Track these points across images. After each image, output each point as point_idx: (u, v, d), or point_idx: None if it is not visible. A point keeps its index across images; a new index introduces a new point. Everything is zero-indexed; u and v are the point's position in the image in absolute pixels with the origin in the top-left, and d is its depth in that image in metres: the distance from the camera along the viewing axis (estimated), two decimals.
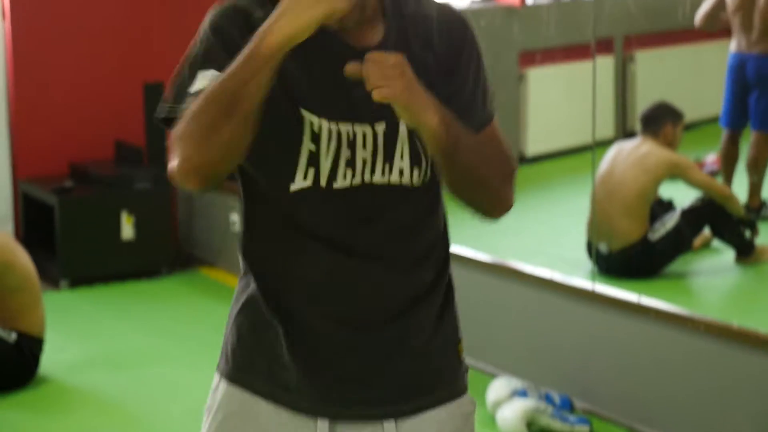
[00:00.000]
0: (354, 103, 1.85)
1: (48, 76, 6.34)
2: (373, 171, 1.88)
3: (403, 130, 1.88)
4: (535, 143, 8.11)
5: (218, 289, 5.97)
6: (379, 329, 1.92)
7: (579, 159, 7.37)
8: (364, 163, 1.87)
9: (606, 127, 7.68)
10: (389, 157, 1.88)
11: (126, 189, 6.03)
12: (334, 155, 1.85)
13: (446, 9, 1.99)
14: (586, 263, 5.50)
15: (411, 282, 1.94)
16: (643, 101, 5.97)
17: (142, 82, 6.30)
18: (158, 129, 6.60)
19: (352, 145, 1.87)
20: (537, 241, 6.10)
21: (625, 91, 8.24)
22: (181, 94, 1.83)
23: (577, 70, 8.10)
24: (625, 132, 7.81)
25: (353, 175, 1.87)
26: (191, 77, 1.83)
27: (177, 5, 6.49)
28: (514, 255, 5.13)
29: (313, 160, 1.85)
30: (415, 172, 1.90)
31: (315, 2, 1.70)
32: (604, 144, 5.89)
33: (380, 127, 1.88)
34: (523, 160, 8.07)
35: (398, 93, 1.76)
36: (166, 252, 6.17)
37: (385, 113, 1.83)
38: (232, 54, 1.77)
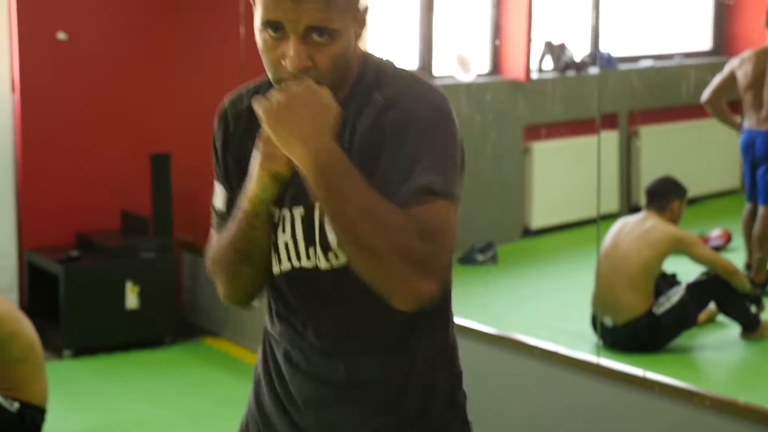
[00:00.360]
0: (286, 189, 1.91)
1: (55, 146, 6.38)
2: (298, 256, 1.93)
3: (317, 215, 1.89)
4: (539, 216, 8.12)
5: (222, 359, 5.95)
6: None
7: (583, 232, 7.37)
8: (287, 247, 1.93)
9: (610, 202, 7.70)
10: (311, 242, 1.91)
11: (131, 258, 6.04)
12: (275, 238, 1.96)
13: (403, 92, 1.90)
14: (591, 337, 5.48)
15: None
16: (647, 176, 5.99)
17: (148, 153, 6.34)
18: (164, 199, 6.59)
19: (277, 228, 1.94)
20: (541, 314, 6.09)
21: (630, 165, 8.27)
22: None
23: (582, 145, 8.14)
24: (629, 206, 7.83)
25: (279, 261, 1.95)
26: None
27: (183, 77, 6.55)
28: (519, 327, 5.11)
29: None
30: (331, 256, 1.91)
31: (261, 170, 1.82)
32: (608, 218, 5.91)
33: (297, 212, 1.92)
34: (528, 232, 8.09)
35: (272, 108, 1.78)
36: (171, 321, 6.16)
37: (302, 198, 1.88)
38: (224, 164, 2.00)
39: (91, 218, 6.43)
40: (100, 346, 6.00)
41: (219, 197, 2.02)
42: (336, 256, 1.89)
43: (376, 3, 7.59)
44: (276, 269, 1.95)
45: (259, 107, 1.80)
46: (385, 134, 1.85)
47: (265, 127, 1.79)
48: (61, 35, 6.33)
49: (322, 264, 1.90)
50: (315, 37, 1.80)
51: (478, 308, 5.88)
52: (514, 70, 8.31)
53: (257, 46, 1.88)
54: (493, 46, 8.38)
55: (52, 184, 6.39)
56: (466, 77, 7.90)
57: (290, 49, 1.80)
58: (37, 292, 6.26)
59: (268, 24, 1.82)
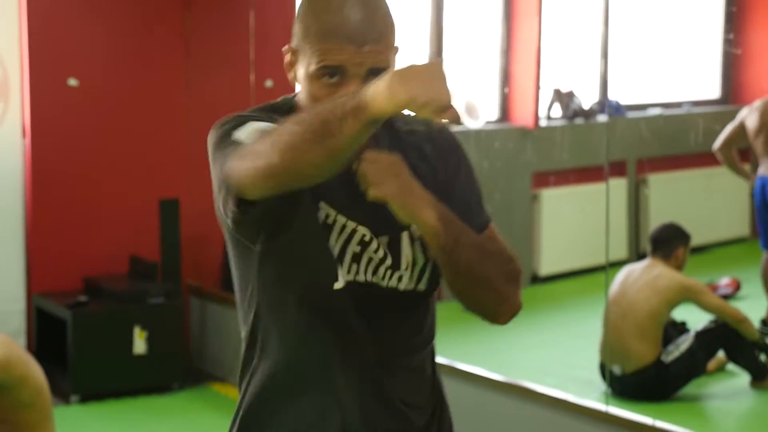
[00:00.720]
0: (368, 209, 1.91)
1: (65, 191, 6.41)
2: (375, 272, 1.93)
3: (405, 243, 1.93)
4: (548, 263, 8.12)
5: (229, 405, 5.92)
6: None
7: (592, 279, 7.37)
8: (369, 263, 1.93)
9: (619, 249, 7.69)
10: (396, 265, 1.93)
11: (139, 304, 6.04)
12: (341, 247, 1.92)
13: (433, 124, 1.97)
14: (600, 384, 5.46)
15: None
16: (656, 223, 5.99)
17: (157, 198, 6.36)
18: (173, 245, 6.59)
19: (365, 246, 1.93)
20: (549, 361, 6.07)
21: (638, 213, 8.28)
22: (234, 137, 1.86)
23: (591, 192, 8.15)
24: (638, 253, 7.83)
25: (357, 272, 1.92)
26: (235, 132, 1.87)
27: (193, 124, 6.58)
28: (526, 375, 5.10)
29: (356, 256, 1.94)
30: (414, 279, 1.95)
31: (433, 91, 1.75)
32: (617, 265, 5.91)
33: (384, 239, 1.94)
34: (536, 279, 8.08)
35: (393, 192, 1.80)
36: (178, 367, 6.15)
37: (388, 226, 1.90)
38: None
39: (99, 263, 6.44)
40: (108, 392, 5.98)
41: (252, 131, 1.85)
42: (420, 281, 1.96)
43: None
44: (346, 279, 1.92)
45: (377, 192, 1.81)
46: (439, 163, 1.97)
47: (396, 198, 1.80)
48: (72, 81, 6.38)
49: (402, 285, 1.94)
50: (371, 77, 1.79)
51: (486, 354, 5.87)
52: (522, 117, 8.34)
53: (307, 95, 1.86)
54: (502, 93, 8.42)
55: (61, 228, 6.41)
56: (475, 124, 7.90)
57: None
58: (45, 336, 6.26)
59: (326, 69, 1.81)
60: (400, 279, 1.94)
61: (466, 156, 2.04)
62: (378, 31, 1.82)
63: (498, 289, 1.93)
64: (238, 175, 1.79)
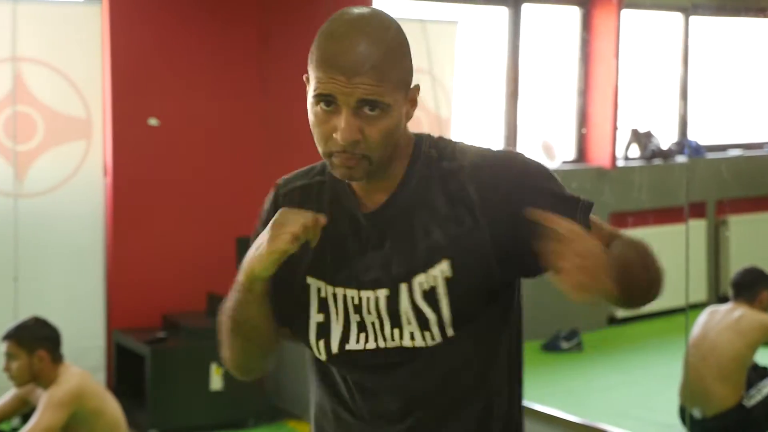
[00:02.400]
0: (356, 270, 1.93)
1: (144, 229, 6.50)
2: (383, 335, 1.92)
3: (404, 297, 1.90)
4: None
5: None
6: None
7: (670, 321, 7.27)
8: (374, 326, 1.92)
9: (698, 291, 7.59)
10: (396, 323, 1.91)
11: (216, 340, 6.06)
12: (344, 319, 1.95)
13: (483, 156, 1.94)
14: (679, 428, 5.37)
15: None
16: (736, 265, 5.89)
17: (234, 236, 6.41)
18: None
19: (358, 309, 1.93)
20: (628, 404, 6.00)
21: (718, 254, 8.16)
22: None
23: (669, 233, 8.05)
24: (718, 296, 7.71)
25: (366, 339, 1.93)
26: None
27: (270, 161, 6.64)
28: (605, 417, 5.04)
29: (324, 330, 1.97)
30: (426, 335, 1.90)
31: (268, 250, 1.87)
32: (696, 307, 5.82)
33: (382, 293, 1.92)
34: (614, 321, 8.00)
35: (586, 283, 1.72)
36: (254, 404, 6.18)
37: (385, 281, 1.90)
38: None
39: (177, 300, 6.51)
40: (185, 427, 6.02)
41: None
42: (432, 336, 1.89)
43: (462, 89, 7.66)
44: (355, 347, 1.94)
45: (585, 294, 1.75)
46: (479, 199, 1.88)
47: (595, 287, 1.74)
48: (153, 121, 6.48)
49: (418, 343, 1.90)
50: (366, 110, 1.83)
51: (563, 396, 5.81)
52: (600, 157, 8.29)
53: (309, 121, 1.91)
54: (579, 133, 8.38)
55: (141, 266, 6.50)
56: (551, 164, 7.89)
57: (342, 121, 1.83)
58: (124, 372, 6.33)
59: (320, 98, 1.85)
60: (412, 336, 1.90)
61: (524, 175, 1.93)
62: (372, 64, 1.81)
63: (656, 276, 1.98)
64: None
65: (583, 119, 8.37)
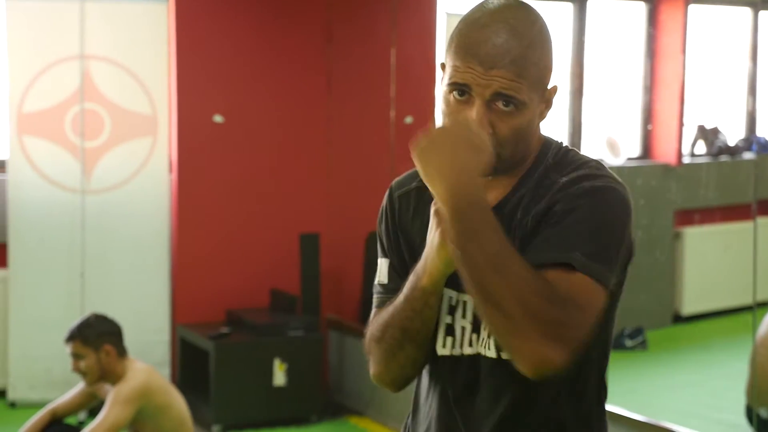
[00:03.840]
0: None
1: (209, 226, 6.55)
2: (470, 342, 1.87)
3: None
4: (690, 302, 7.96)
5: None
6: None
7: (737, 320, 7.20)
8: (463, 331, 1.88)
9: (766, 289, 7.49)
10: (477, 330, 1.87)
11: (280, 336, 6.11)
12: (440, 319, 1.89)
13: (580, 179, 1.82)
14: (746, 428, 5.31)
15: None
16: None
17: (298, 233, 6.44)
18: (313, 279, 6.64)
19: (452, 311, 1.89)
20: (693, 403, 5.93)
21: None
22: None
23: (736, 231, 7.97)
24: None
25: (452, 345, 1.89)
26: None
27: (334, 159, 6.66)
28: (669, 416, 4.99)
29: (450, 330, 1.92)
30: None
31: (441, 244, 1.76)
32: (764, 305, 5.75)
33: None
34: (678, 318, 7.92)
35: (422, 144, 1.74)
36: (317, 400, 6.20)
37: None
38: (394, 240, 1.98)
39: (241, 296, 6.55)
40: (248, 423, 6.06)
41: (383, 272, 1.97)
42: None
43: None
44: (445, 352, 1.90)
45: (414, 145, 1.76)
46: (543, 206, 1.81)
47: (415, 162, 1.75)
48: (218, 118, 6.53)
49: (489, 353, 1.85)
50: (500, 105, 1.77)
51: (627, 394, 5.77)
52: (665, 154, 8.21)
53: (440, 110, 1.86)
54: (645, 130, 8.31)
55: (205, 262, 6.55)
56: (616, 161, 7.84)
57: (473, 112, 1.77)
58: (189, 367, 6.39)
59: (455, 86, 1.79)
60: (489, 346, 1.86)
61: (585, 205, 1.79)
62: (512, 58, 1.75)
63: (512, 320, 1.65)
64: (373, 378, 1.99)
65: (648, 115, 8.30)
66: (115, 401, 4.42)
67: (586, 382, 1.91)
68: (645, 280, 7.79)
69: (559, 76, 7.91)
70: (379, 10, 6.75)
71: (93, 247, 6.35)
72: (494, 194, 1.85)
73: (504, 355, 1.81)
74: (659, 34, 8.21)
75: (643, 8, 8.21)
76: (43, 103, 6.30)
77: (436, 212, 1.78)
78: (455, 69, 1.78)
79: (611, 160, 7.82)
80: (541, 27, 1.81)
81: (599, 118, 8.11)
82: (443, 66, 1.85)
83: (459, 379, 1.89)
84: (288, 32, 6.66)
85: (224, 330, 6.13)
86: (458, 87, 1.79)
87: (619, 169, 7.86)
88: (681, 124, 8.17)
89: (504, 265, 1.66)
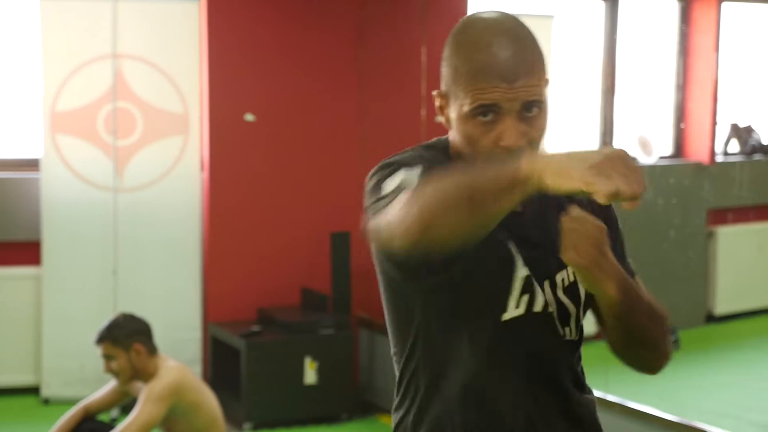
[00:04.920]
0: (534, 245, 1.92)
1: (240, 224, 6.57)
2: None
3: (548, 289, 1.91)
4: (724, 302, 7.91)
5: None
6: None
7: None
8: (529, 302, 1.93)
9: None
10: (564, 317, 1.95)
11: (310, 335, 6.12)
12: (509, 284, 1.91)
13: None
14: None
15: None
16: None
17: (329, 231, 6.45)
18: (343, 277, 6.66)
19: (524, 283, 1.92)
20: (726, 403, 5.89)
21: None
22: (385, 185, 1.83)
23: None
24: None
25: (517, 308, 1.90)
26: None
27: (365, 157, 6.66)
28: (702, 416, 4.96)
29: (528, 287, 1.90)
30: (567, 330, 1.94)
31: (613, 179, 1.60)
32: None
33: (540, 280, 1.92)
34: (711, 318, 7.86)
35: (586, 264, 1.79)
36: (347, 398, 6.21)
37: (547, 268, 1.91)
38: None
39: (272, 294, 6.57)
40: (279, 421, 6.07)
41: (409, 176, 1.80)
42: (570, 333, 1.95)
43: (557, 84, 7.60)
44: (518, 312, 1.91)
45: (571, 258, 1.79)
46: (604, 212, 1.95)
47: (588, 269, 1.79)
48: (249, 117, 6.54)
49: (570, 337, 1.97)
50: (525, 112, 1.82)
51: (659, 394, 5.73)
52: (698, 152, 8.16)
53: (461, 136, 1.84)
54: (677, 128, 8.27)
55: (236, 260, 6.57)
56: (648, 160, 7.79)
57: (509, 128, 1.80)
58: (220, 365, 6.41)
59: (479, 109, 1.80)
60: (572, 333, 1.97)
61: (613, 210, 2.02)
62: (528, 65, 1.80)
63: (662, 349, 1.97)
64: (384, 238, 1.79)
65: (681, 114, 8.25)
66: (147, 399, 4.44)
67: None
68: (678, 279, 7.75)
69: (591, 75, 7.88)
70: (410, 8, 6.74)
71: (125, 245, 6.38)
72: None
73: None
74: (692, 31, 8.16)
75: (675, 6, 8.16)
76: (76, 102, 6.34)
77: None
78: (476, 92, 1.79)
79: (643, 159, 7.77)
80: (528, 27, 1.89)
81: (631, 116, 8.07)
82: (441, 95, 1.88)
83: (523, 343, 1.91)
84: (319, 31, 6.67)
85: (255, 328, 6.15)
86: (484, 108, 1.80)
87: (652, 168, 7.82)
88: (714, 123, 8.11)
89: (652, 314, 1.95)
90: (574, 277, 1.91)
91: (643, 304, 1.90)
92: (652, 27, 8.23)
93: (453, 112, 1.86)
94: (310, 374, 6.07)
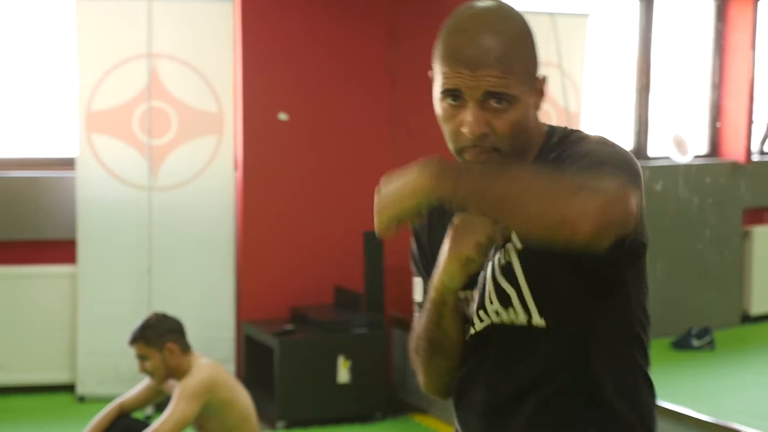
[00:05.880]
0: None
1: (273, 223, 6.58)
2: (486, 312, 1.93)
3: (486, 275, 1.91)
4: (760, 302, 7.86)
5: None
6: None
7: None
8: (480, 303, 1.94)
9: None
10: (482, 301, 1.93)
11: (344, 333, 6.13)
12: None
13: (579, 142, 1.89)
14: None
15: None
16: None
17: (361, 230, 6.45)
18: (376, 276, 6.64)
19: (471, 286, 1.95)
20: (760, 404, 5.85)
21: None
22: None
23: None
24: None
25: (480, 319, 1.93)
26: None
27: (397, 156, 6.66)
28: (737, 417, 4.93)
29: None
30: (511, 312, 1.89)
31: (449, 257, 1.83)
32: None
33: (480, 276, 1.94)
34: (747, 319, 7.81)
35: (471, 253, 1.82)
36: (381, 397, 6.21)
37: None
38: (426, 257, 2.02)
39: (305, 293, 6.58)
40: (312, 419, 6.08)
41: (418, 291, 2.06)
42: (517, 314, 1.89)
43: (592, 83, 7.57)
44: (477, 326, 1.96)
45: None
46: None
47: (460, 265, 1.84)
48: (283, 116, 6.56)
49: (498, 319, 1.92)
50: (493, 103, 1.82)
51: (694, 395, 5.71)
52: (734, 151, 8.12)
53: (437, 115, 1.91)
54: (713, 127, 8.22)
55: (270, 259, 6.58)
56: (683, 159, 7.75)
57: (468, 115, 1.82)
58: (253, 363, 6.43)
59: (446, 93, 1.85)
60: (497, 313, 1.92)
61: (579, 144, 1.86)
62: (495, 56, 1.80)
63: (563, 203, 1.66)
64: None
65: (717, 113, 8.21)
66: (181, 397, 4.46)
67: (627, 347, 1.92)
68: (713, 279, 7.70)
69: (626, 74, 7.85)
70: (443, 7, 6.72)
71: (160, 243, 6.42)
72: None
73: (516, 321, 1.89)
74: (728, 29, 8.11)
75: (711, 4, 8.12)
76: (112, 101, 6.38)
77: (452, 225, 1.85)
78: (444, 76, 1.85)
79: (678, 158, 7.73)
80: (520, 22, 1.87)
81: (666, 115, 8.03)
82: (432, 75, 1.92)
83: (491, 350, 1.95)
84: (352, 30, 6.68)
85: (289, 327, 6.16)
86: (450, 93, 1.84)
87: (687, 168, 7.78)
88: (750, 122, 8.06)
89: (511, 189, 1.71)
90: (509, 256, 1.88)
91: (487, 181, 1.72)
92: (687, 25, 8.19)
93: (434, 92, 1.92)
94: (344, 373, 6.07)
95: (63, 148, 6.66)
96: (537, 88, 1.89)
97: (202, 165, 6.50)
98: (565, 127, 1.97)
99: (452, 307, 1.91)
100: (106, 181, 6.37)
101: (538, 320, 1.87)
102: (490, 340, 1.93)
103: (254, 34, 6.48)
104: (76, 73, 6.35)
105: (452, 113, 1.85)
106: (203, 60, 6.47)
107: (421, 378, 2.03)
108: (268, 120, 6.52)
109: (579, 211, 1.64)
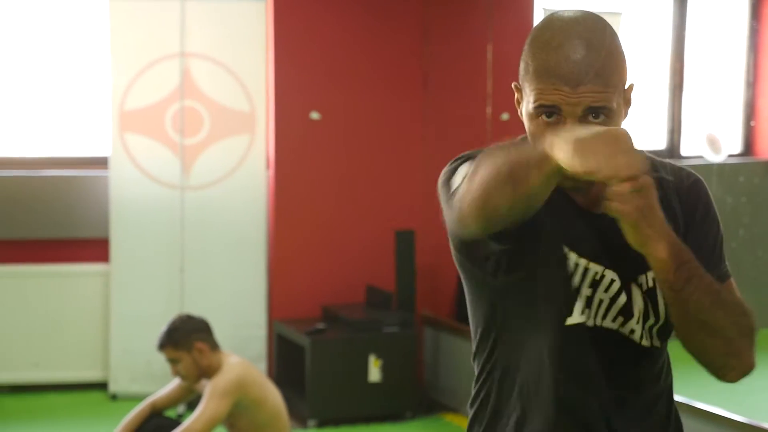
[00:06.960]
0: (609, 249, 1.87)
1: (305, 222, 6.59)
2: (604, 317, 1.89)
3: (636, 292, 1.89)
4: None
5: None
6: None
7: None
8: (600, 304, 1.89)
9: None
10: (626, 312, 1.89)
11: (375, 332, 6.13)
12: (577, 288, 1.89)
13: (681, 171, 1.98)
14: None
15: None
16: None
17: (393, 229, 6.45)
18: (408, 275, 6.64)
19: (594, 285, 1.88)
20: None
21: None
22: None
23: None
24: None
25: (588, 316, 1.88)
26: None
27: (429, 155, 6.66)
28: None
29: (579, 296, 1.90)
30: (645, 335, 1.91)
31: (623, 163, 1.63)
32: None
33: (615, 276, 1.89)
34: None
35: (630, 211, 1.68)
36: (412, 396, 6.21)
37: (635, 269, 1.87)
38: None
39: (337, 292, 6.58)
40: (343, 418, 6.09)
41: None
42: (649, 338, 1.92)
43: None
44: (582, 319, 1.89)
45: (616, 207, 1.69)
46: (681, 213, 1.92)
47: (630, 216, 1.69)
48: (315, 115, 6.57)
49: (644, 342, 1.92)
50: (591, 118, 1.79)
51: (726, 394, 5.66)
52: None
53: (528, 132, 1.85)
54: (747, 126, 8.16)
55: (301, 258, 6.59)
56: (717, 158, 7.70)
57: None
58: (285, 362, 6.44)
59: (542, 108, 1.80)
60: (632, 331, 1.91)
61: (711, 205, 1.97)
62: (595, 71, 1.77)
63: (728, 340, 1.83)
64: (453, 223, 1.85)
65: (751, 111, 8.15)
66: (212, 395, 4.47)
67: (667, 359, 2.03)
68: (747, 278, 7.65)
69: (659, 72, 7.80)
70: (476, 6, 6.73)
71: (192, 242, 6.44)
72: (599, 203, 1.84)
73: (654, 344, 1.92)
74: (763, 27, 8.05)
75: (745, 2, 8.06)
76: (145, 101, 6.41)
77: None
78: (539, 92, 1.79)
79: (712, 157, 7.68)
80: (611, 32, 1.84)
81: (700, 114, 7.98)
82: (518, 88, 1.87)
83: (593, 350, 1.90)
84: (384, 29, 6.68)
85: (320, 326, 6.17)
86: (546, 109, 1.79)
87: (720, 167, 7.73)
88: None
89: (716, 296, 1.81)
90: (653, 282, 1.88)
91: (704, 282, 1.77)
92: (721, 22, 8.13)
93: (523, 108, 1.86)
94: (375, 372, 6.07)
95: (96, 147, 6.69)
96: (626, 97, 1.87)
97: (234, 164, 6.52)
98: None
99: (549, 179, 1.69)
100: (139, 180, 6.40)
101: (649, 342, 1.93)
102: (595, 341, 1.90)
103: (286, 33, 6.49)
104: (110, 72, 6.39)
105: (548, 130, 1.78)
106: (235, 59, 6.49)
107: (475, 198, 1.74)
108: (300, 119, 6.53)
109: (742, 358, 1.88)
